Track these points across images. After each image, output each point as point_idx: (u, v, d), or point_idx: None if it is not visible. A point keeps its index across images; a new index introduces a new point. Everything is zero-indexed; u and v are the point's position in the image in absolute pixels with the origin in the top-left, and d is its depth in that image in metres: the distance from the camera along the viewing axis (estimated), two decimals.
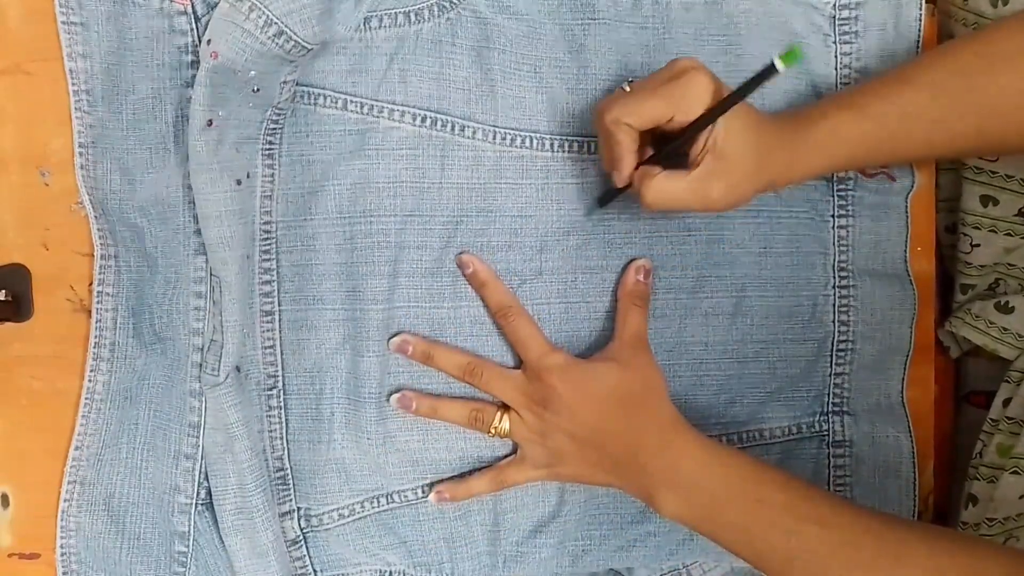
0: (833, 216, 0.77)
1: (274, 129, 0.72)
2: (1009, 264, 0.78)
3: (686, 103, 0.64)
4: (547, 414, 0.71)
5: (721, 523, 0.67)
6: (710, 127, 0.64)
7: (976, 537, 0.72)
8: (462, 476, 0.75)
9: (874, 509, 0.65)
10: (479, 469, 0.75)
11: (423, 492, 0.75)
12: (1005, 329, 0.76)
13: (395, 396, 0.74)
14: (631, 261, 0.75)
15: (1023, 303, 0.76)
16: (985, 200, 0.77)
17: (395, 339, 0.74)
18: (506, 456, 0.75)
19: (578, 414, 0.70)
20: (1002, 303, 0.77)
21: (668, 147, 0.66)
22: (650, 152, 0.68)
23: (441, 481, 0.75)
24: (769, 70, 0.61)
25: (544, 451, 0.72)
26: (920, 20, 0.75)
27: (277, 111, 0.72)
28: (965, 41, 0.68)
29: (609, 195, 0.72)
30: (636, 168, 0.67)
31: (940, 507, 0.80)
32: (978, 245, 0.78)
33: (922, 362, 0.78)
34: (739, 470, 0.67)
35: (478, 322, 0.75)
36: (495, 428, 0.73)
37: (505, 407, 0.73)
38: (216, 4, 0.69)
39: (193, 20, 0.72)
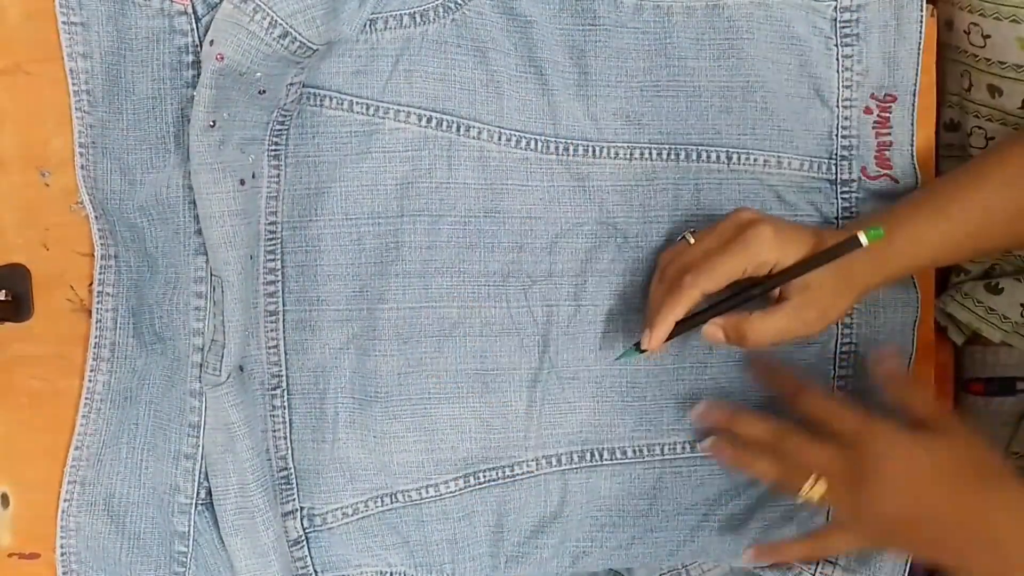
0: (837, 219, 0.77)
1: (280, 130, 0.72)
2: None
3: (756, 257, 0.67)
4: (866, 491, 0.66)
5: None
6: None
7: None
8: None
9: None
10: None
11: (427, 492, 0.75)
12: (991, 309, 0.77)
13: (708, 441, 0.74)
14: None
15: (1013, 286, 0.77)
16: None
17: (699, 408, 0.74)
18: (513, 467, 0.76)
19: (906, 494, 0.65)
20: (992, 284, 0.78)
21: (741, 299, 0.69)
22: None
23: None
24: (853, 242, 0.65)
25: (865, 524, 0.68)
26: (921, 22, 0.75)
27: (283, 112, 0.72)
28: None
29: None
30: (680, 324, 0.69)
31: None
32: None
33: (922, 361, 0.78)
34: None
35: (488, 323, 0.75)
36: (806, 492, 0.68)
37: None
38: (216, 4, 0.68)
39: (193, 20, 0.71)
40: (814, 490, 0.67)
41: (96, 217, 0.73)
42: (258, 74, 0.67)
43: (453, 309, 0.75)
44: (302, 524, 0.75)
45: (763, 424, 0.71)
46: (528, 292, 0.75)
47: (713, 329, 0.69)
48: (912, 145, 0.77)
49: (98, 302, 0.74)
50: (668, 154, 0.75)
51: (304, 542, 0.76)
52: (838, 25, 0.76)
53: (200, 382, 0.72)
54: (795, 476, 0.68)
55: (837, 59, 0.76)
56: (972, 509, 0.64)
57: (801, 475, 0.68)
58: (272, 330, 0.74)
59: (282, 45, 0.67)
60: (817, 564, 0.77)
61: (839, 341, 0.77)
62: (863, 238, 0.64)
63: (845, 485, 0.67)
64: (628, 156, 0.76)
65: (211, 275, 0.72)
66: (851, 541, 0.71)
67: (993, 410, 0.80)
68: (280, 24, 0.66)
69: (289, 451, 0.75)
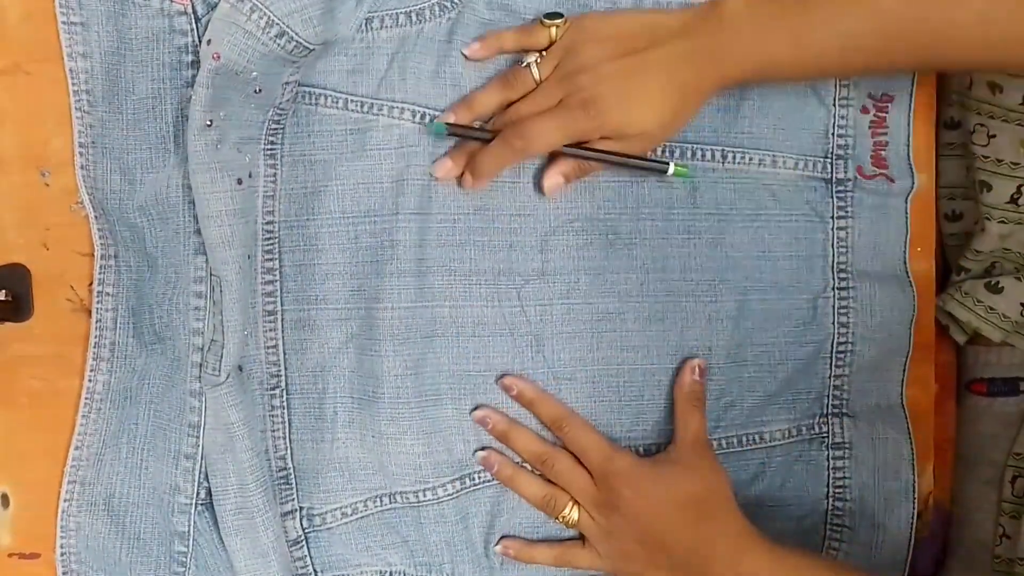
0: (832, 218, 0.77)
1: (276, 129, 0.72)
2: (1004, 249, 0.78)
3: (601, 129, 0.69)
4: (614, 517, 0.71)
5: None
6: None
7: None
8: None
9: None
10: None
11: (425, 495, 0.75)
12: (992, 308, 0.77)
13: (481, 454, 0.75)
14: (686, 360, 0.76)
15: (1013, 285, 0.77)
16: (980, 186, 0.77)
17: (478, 412, 0.75)
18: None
19: (645, 519, 0.70)
20: (992, 283, 0.78)
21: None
22: None
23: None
24: (660, 165, 0.72)
25: (611, 549, 0.73)
26: None
27: (279, 111, 0.72)
28: None
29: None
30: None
31: (941, 504, 0.81)
32: (982, 230, 0.78)
33: (922, 361, 0.78)
34: None
35: (481, 323, 0.75)
36: (564, 516, 0.73)
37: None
38: (216, 4, 0.69)
39: (193, 20, 0.71)
40: (571, 516, 0.73)
41: (96, 217, 0.73)
42: (254, 73, 0.67)
43: (446, 309, 0.74)
44: (301, 524, 0.75)
45: (535, 444, 0.75)
46: (521, 292, 0.75)
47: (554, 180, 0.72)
48: (908, 145, 0.77)
49: (98, 302, 0.74)
50: (662, 152, 0.75)
51: (304, 542, 0.76)
52: None
53: (200, 382, 0.72)
54: (557, 500, 0.73)
55: None
56: (696, 539, 0.70)
57: (563, 499, 0.73)
58: (271, 330, 0.74)
59: (278, 45, 0.67)
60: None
61: (835, 340, 0.77)
62: (671, 168, 0.72)
63: (596, 513, 0.72)
64: None
65: (210, 275, 0.72)
66: (595, 562, 0.74)
67: (996, 410, 0.80)
68: (277, 24, 0.66)
69: (288, 451, 0.75)
